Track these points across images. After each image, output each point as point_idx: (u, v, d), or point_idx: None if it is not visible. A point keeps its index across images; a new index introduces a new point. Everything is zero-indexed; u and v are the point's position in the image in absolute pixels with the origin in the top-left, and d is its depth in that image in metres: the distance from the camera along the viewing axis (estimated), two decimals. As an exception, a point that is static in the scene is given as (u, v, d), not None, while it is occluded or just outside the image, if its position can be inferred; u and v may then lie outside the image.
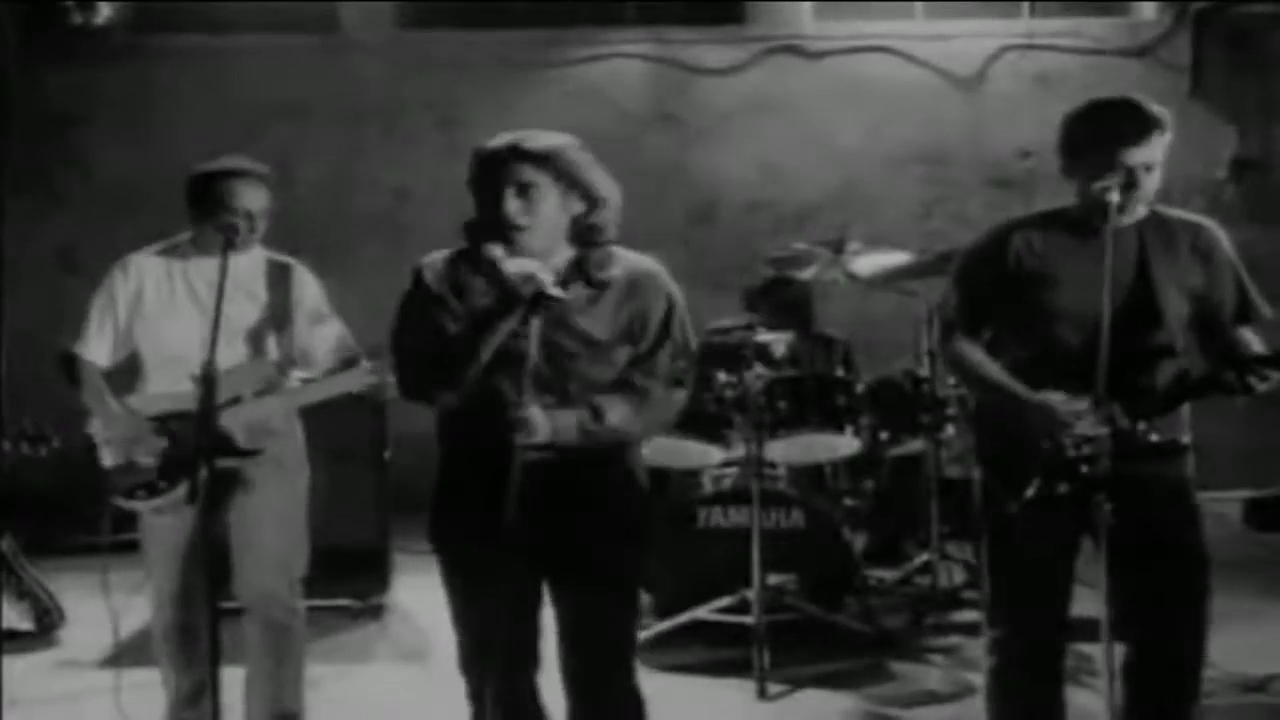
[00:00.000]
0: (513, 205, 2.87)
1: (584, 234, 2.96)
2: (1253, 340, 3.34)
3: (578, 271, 2.92)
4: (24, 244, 7.41)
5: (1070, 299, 3.24)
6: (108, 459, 3.67)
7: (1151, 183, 3.22)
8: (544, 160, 2.87)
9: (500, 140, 2.91)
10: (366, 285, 7.03)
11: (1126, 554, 3.03)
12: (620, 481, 3.04)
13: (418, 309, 2.99)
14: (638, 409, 2.94)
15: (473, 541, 2.84)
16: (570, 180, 2.90)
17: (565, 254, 2.95)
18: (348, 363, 3.76)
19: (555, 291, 2.83)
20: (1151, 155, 3.18)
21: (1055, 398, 3.15)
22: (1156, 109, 3.20)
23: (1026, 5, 7.80)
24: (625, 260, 3.00)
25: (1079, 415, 3.10)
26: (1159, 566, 3.20)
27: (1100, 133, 3.21)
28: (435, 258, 3.02)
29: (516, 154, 2.87)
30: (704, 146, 7.90)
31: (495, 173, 2.89)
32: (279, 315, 3.77)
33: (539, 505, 2.78)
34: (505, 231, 2.88)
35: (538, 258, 2.89)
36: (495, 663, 2.90)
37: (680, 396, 3.04)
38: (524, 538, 2.73)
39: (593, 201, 2.94)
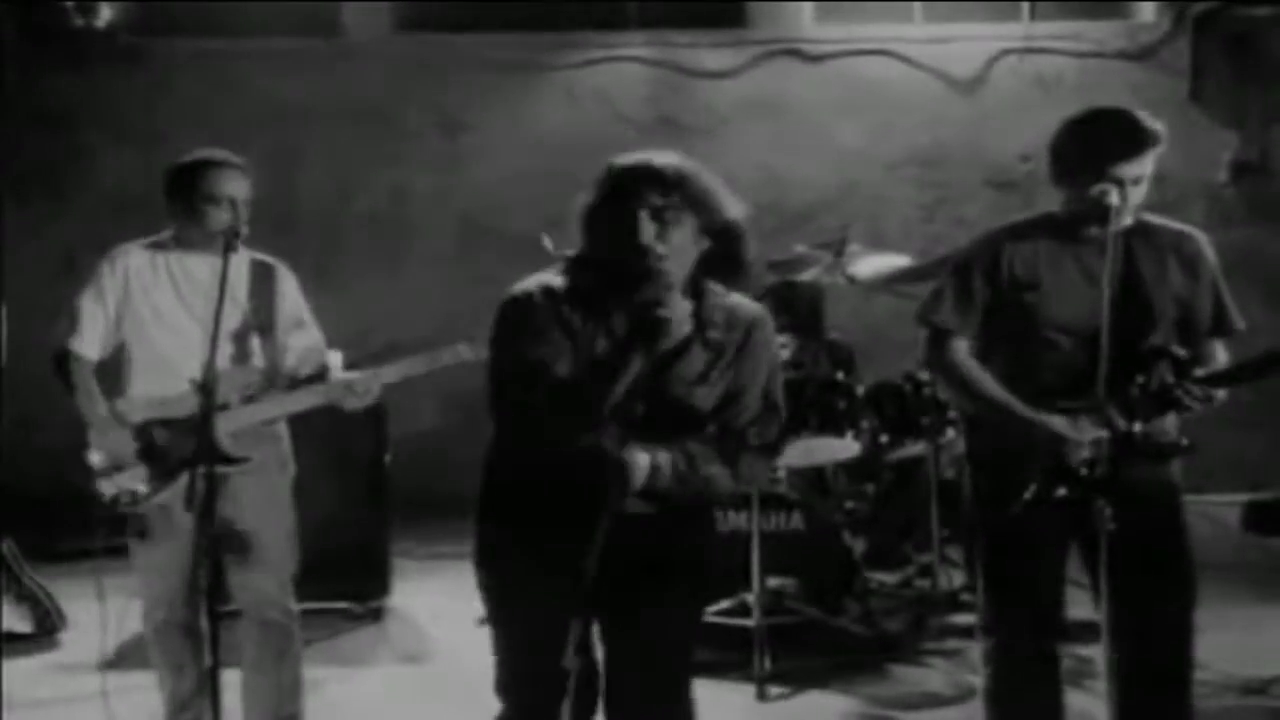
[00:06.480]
0: (648, 232, 2.60)
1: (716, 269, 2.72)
2: (1219, 354, 3.35)
3: (697, 328, 2.67)
4: (25, 247, 7.41)
5: (1060, 305, 3.26)
6: (97, 461, 3.65)
7: (1138, 194, 3.21)
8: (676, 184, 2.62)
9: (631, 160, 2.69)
10: (366, 286, 7.02)
11: (1114, 557, 3.03)
12: (699, 541, 2.90)
13: (526, 348, 2.67)
14: (732, 470, 2.74)
15: (534, 574, 2.69)
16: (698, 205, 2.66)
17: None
18: (314, 376, 3.77)
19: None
20: (1142, 169, 3.18)
21: (1058, 421, 3.15)
22: (1151, 123, 3.18)
23: (1026, 8, 7.79)
24: (737, 312, 2.77)
25: (1083, 438, 3.09)
26: (1146, 571, 3.20)
27: (1092, 146, 3.20)
28: (531, 288, 2.72)
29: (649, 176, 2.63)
30: (704, 150, 7.80)
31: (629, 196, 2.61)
32: (263, 318, 3.77)
33: (619, 560, 2.59)
34: (642, 262, 2.60)
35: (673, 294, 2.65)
36: (533, 691, 2.73)
37: (772, 464, 2.89)
38: (594, 584, 2.55)
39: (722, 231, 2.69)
